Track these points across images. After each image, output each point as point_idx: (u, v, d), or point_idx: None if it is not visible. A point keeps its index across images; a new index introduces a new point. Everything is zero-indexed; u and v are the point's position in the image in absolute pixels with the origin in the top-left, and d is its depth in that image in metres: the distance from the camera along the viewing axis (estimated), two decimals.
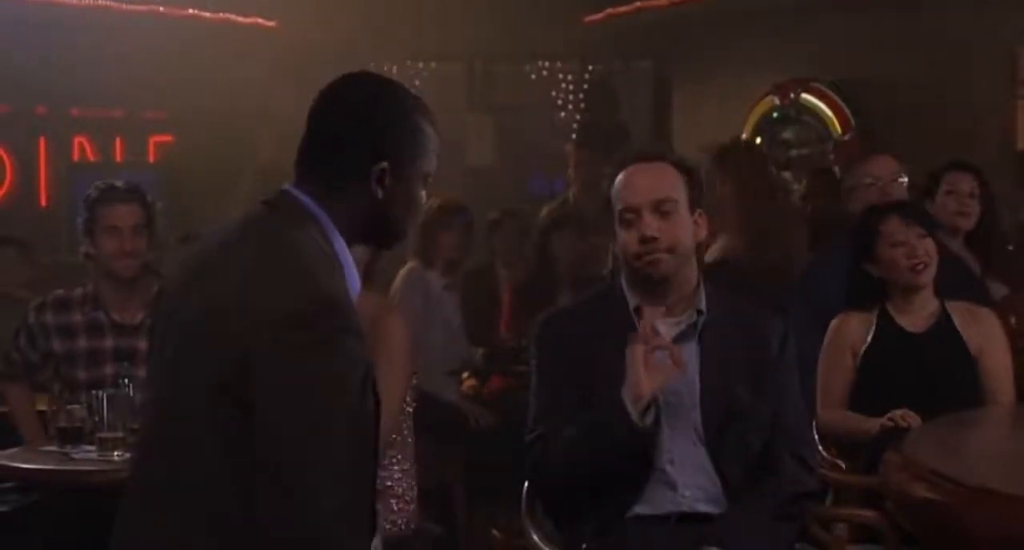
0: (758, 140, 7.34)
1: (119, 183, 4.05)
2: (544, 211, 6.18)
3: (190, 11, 7.78)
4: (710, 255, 4.29)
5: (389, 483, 3.59)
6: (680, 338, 2.84)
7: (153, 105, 8.01)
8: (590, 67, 8.49)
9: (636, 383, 2.66)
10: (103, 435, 3.51)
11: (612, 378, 2.79)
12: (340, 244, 2.14)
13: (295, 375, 1.97)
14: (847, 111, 6.94)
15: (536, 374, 2.93)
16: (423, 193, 2.22)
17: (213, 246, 2.18)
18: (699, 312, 2.85)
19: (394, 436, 3.61)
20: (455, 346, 5.56)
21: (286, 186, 2.16)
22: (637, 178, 2.84)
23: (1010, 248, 4.54)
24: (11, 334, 4.11)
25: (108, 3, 7.64)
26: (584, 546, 2.75)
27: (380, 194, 2.14)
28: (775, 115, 7.24)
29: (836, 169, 6.39)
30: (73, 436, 3.62)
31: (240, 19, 7.94)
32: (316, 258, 2.07)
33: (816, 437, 3.48)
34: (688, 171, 2.87)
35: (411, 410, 3.70)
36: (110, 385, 3.71)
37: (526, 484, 2.98)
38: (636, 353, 2.66)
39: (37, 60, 7.14)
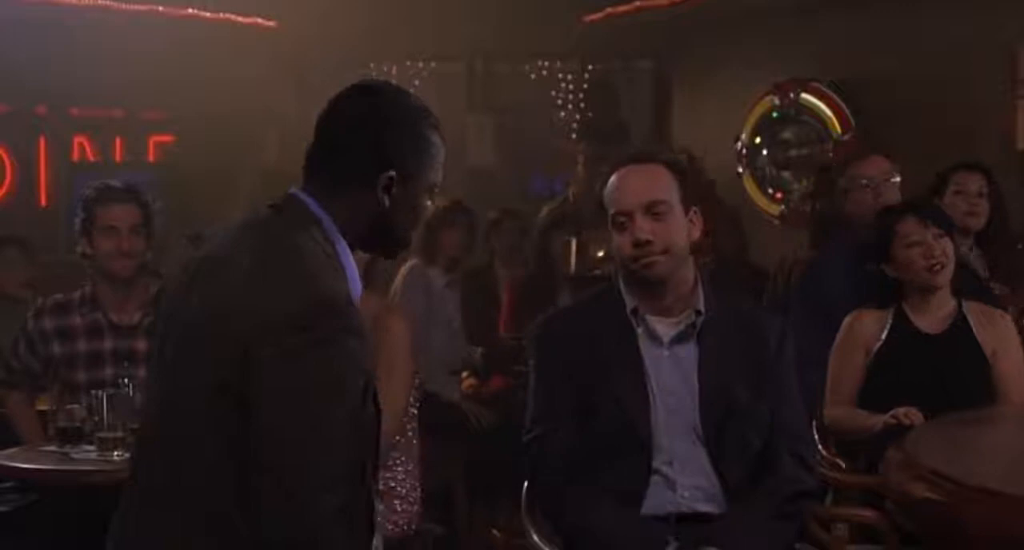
0: (757, 140, 7.34)
1: (116, 183, 4.05)
2: (544, 211, 6.18)
3: (190, 11, 7.77)
4: None
5: (392, 484, 3.59)
6: (679, 338, 2.85)
7: (153, 105, 7.99)
8: (590, 66, 8.48)
9: None
10: (103, 435, 3.51)
11: (610, 378, 2.80)
12: (342, 247, 2.15)
13: (296, 376, 1.98)
14: (847, 111, 6.92)
15: (534, 374, 2.93)
16: (428, 203, 2.24)
17: (216, 247, 2.19)
18: (697, 312, 2.85)
19: (398, 438, 3.61)
20: (455, 345, 5.56)
21: (292, 189, 2.17)
22: (629, 181, 2.84)
23: (1021, 247, 4.53)
24: (10, 335, 4.11)
25: (108, 3, 7.63)
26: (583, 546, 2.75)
27: (387, 202, 2.16)
28: (775, 115, 7.23)
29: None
30: (73, 436, 3.62)
31: (240, 19, 7.93)
32: (318, 261, 2.08)
33: (816, 436, 3.48)
34: (681, 171, 2.87)
35: (415, 411, 3.70)
36: (110, 386, 3.70)
37: (526, 484, 2.99)
38: None
39: (37, 60, 7.13)
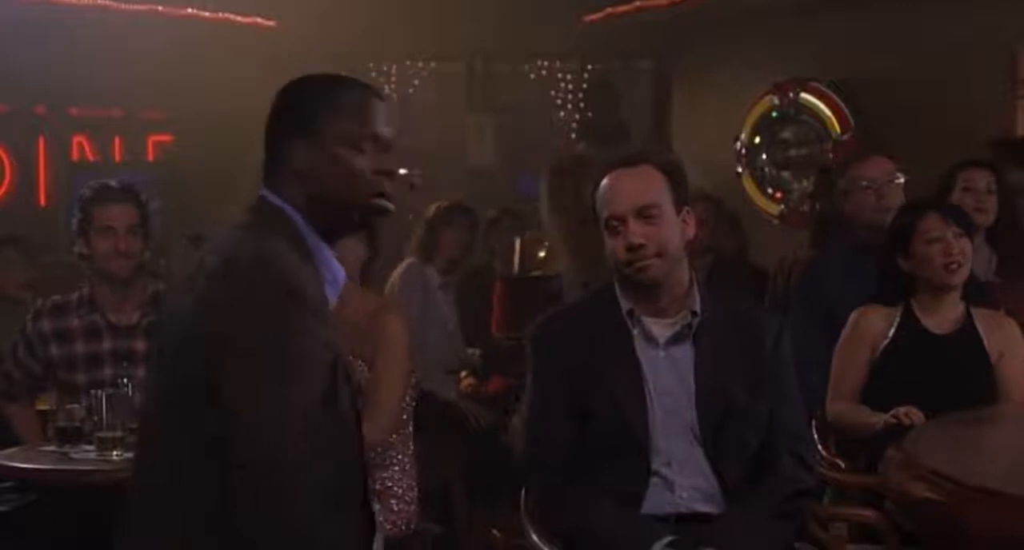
0: (757, 139, 7.35)
1: (113, 183, 4.04)
2: None
3: (189, 11, 7.76)
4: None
5: (389, 484, 3.59)
6: (674, 339, 2.85)
7: (152, 105, 7.99)
8: (590, 66, 8.48)
9: None
10: (102, 435, 3.50)
11: (607, 380, 2.80)
12: (314, 240, 2.17)
13: (259, 364, 1.99)
14: (846, 111, 6.93)
15: (532, 375, 2.93)
16: (357, 159, 2.18)
17: (210, 249, 2.21)
18: (693, 313, 2.85)
19: (394, 436, 3.61)
20: (452, 345, 5.56)
21: (262, 190, 2.20)
22: (620, 185, 2.84)
23: None
24: (10, 336, 4.10)
25: (107, 3, 7.62)
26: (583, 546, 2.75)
27: (307, 170, 2.16)
28: (774, 114, 7.24)
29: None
30: (72, 436, 3.62)
31: (239, 19, 7.92)
32: (283, 262, 2.07)
33: (815, 436, 3.48)
34: (672, 171, 2.87)
35: (412, 410, 3.70)
36: (109, 386, 3.69)
37: (525, 484, 2.98)
38: None
39: (36, 60, 7.13)
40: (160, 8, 7.64)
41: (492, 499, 4.55)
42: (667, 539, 2.67)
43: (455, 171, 8.14)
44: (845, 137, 6.90)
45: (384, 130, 2.21)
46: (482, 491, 4.88)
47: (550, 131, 8.35)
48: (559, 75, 8.48)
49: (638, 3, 7.78)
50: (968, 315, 3.59)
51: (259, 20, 7.97)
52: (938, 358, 3.53)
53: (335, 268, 2.21)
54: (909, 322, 3.59)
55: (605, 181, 2.87)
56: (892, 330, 3.59)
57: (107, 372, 3.91)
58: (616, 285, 2.90)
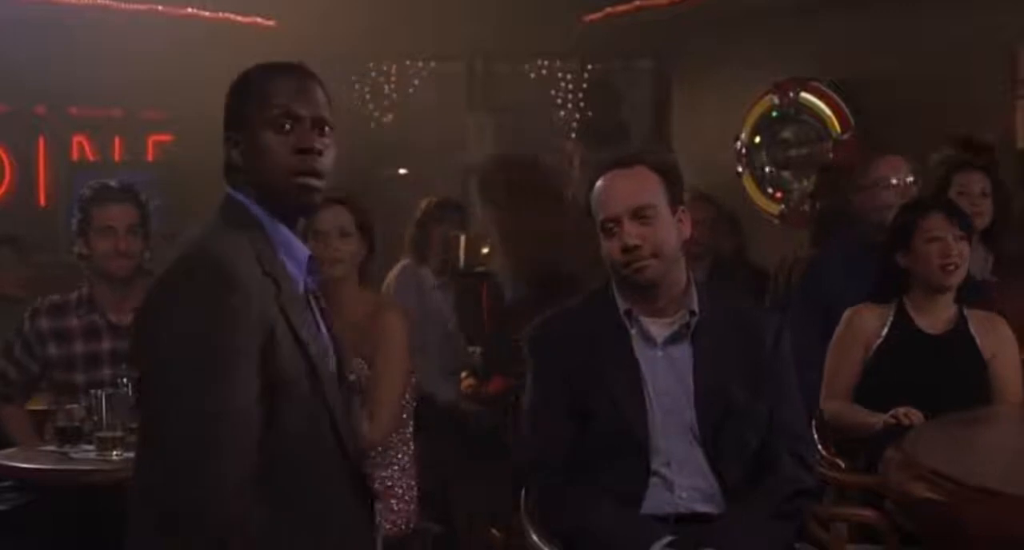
0: (757, 139, 7.34)
1: (113, 183, 4.04)
2: None
3: (189, 11, 7.77)
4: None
5: (389, 483, 3.59)
6: (672, 339, 2.85)
7: (152, 104, 8.00)
8: (590, 66, 8.48)
9: None
10: (102, 434, 3.50)
11: (606, 380, 2.80)
12: (275, 228, 2.21)
13: (169, 340, 2.05)
14: (847, 110, 6.93)
15: (531, 376, 2.93)
16: (276, 140, 2.20)
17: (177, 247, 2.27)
18: (691, 313, 2.85)
19: (394, 435, 3.61)
20: (451, 345, 5.55)
21: (228, 188, 2.25)
22: (615, 186, 2.84)
23: None
24: (4, 335, 4.08)
25: (107, 2, 7.62)
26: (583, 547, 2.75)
27: (241, 162, 2.21)
28: (774, 114, 7.24)
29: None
30: (72, 436, 3.61)
31: (240, 19, 7.92)
32: (221, 252, 2.11)
33: (815, 435, 3.48)
34: (666, 172, 2.86)
35: (411, 408, 3.69)
36: (108, 386, 3.69)
37: (525, 485, 2.98)
38: None
39: (36, 60, 7.13)
40: (160, 8, 7.64)
41: (492, 499, 4.55)
42: (667, 539, 2.67)
43: (455, 170, 8.13)
44: (845, 137, 6.91)
45: (298, 107, 2.21)
46: (482, 491, 4.88)
47: (550, 131, 8.34)
48: (559, 75, 8.48)
49: (638, 3, 7.78)
50: (961, 316, 3.60)
51: (259, 20, 7.97)
52: (931, 358, 3.53)
53: (296, 249, 2.24)
54: (902, 322, 3.60)
55: (600, 182, 2.87)
56: (885, 329, 3.59)
57: (106, 372, 3.90)
58: (613, 285, 2.90)
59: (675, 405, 2.80)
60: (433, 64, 8.46)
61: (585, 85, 8.47)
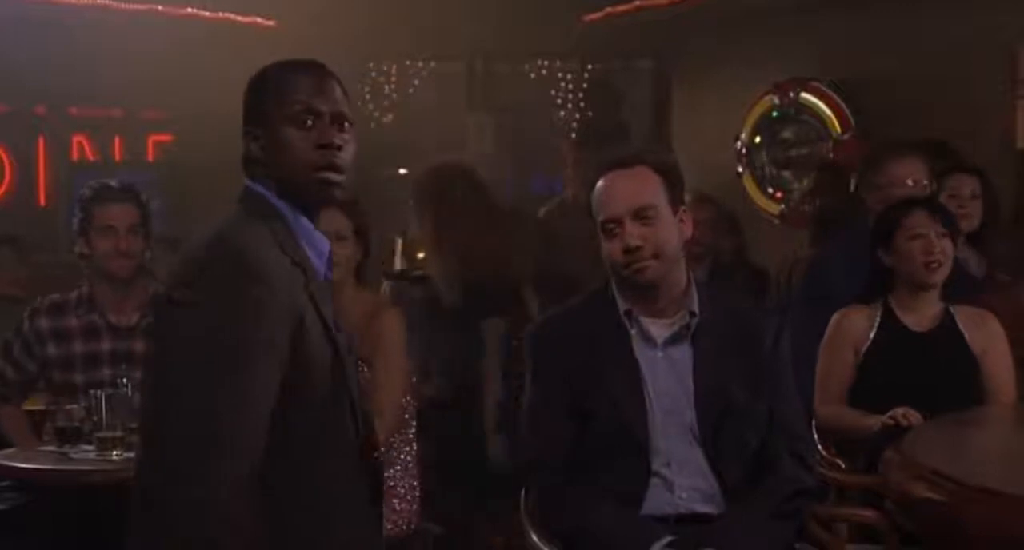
0: (757, 139, 7.34)
1: (113, 183, 4.03)
2: (541, 212, 6.18)
3: (190, 10, 7.77)
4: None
5: (391, 483, 3.59)
6: (672, 340, 2.85)
7: (152, 104, 8.00)
8: (590, 66, 8.47)
9: None
10: (101, 435, 3.50)
11: (606, 381, 2.80)
12: (295, 218, 2.23)
13: (183, 328, 2.07)
14: (847, 110, 6.93)
15: (531, 376, 2.93)
16: (297, 135, 2.22)
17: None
18: (691, 313, 2.85)
19: (396, 436, 3.61)
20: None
21: (246, 180, 2.28)
22: (616, 187, 2.83)
23: None
24: (2, 334, 4.08)
25: (107, 2, 7.63)
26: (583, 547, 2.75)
27: (263, 156, 2.24)
28: (774, 114, 7.24)
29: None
30: (71, 436, 3.61)
31: (240, 19, 7.93)
32: (243, 242, 2.14)
33: (816, 435, 3.47)
34: (667, 172, 2.86)
35: (413, 409, 3.69)
36: (108, 387, 3.69)
37: (525, 485, 2.98)
38: None
39: (36, 59, 7.13)
40: (160, 8, 7.65)
41: (492, 499, 4.55)
42: (667, 539, 2.67)
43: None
44: (845, 137, 6.90)
45: (318, 103, 2.23)
46: (482, 491, 4.88)
47: (550, 131, 8.33)
48: (559, 75, 8.47)
49: (638, 3, 7.78)
50: (948, 312, 3.60)
51: (259, 20, 7.97)
52: (919, 355, 3.53)
53: (318, 240, 2.27)
54: (889, 321, 3.60)
55: (600, 183, 2.86)
56: (873, 331, 3.59)
57: (105, 372, 3.89)
58: (613, 285, 2.90)
59: (675, 405, 2.80)
60: (433, 64, 8.46)
61: (585, 85, 8.47)
